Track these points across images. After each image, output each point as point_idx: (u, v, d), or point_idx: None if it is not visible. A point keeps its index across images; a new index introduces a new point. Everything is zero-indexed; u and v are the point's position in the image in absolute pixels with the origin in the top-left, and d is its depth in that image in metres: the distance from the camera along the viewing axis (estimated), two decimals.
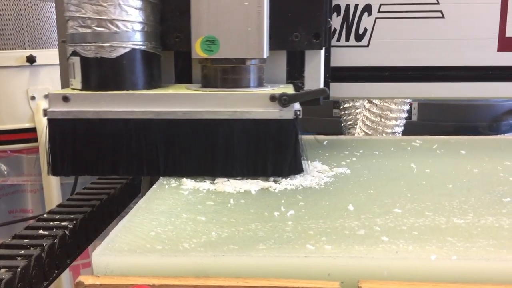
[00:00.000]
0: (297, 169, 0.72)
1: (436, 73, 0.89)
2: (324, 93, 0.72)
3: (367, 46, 0.88)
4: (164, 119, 0.71)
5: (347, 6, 0.87)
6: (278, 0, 0.77)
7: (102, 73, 0.73)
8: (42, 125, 1.53)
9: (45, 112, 0.71)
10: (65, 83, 0.92)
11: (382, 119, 1.42)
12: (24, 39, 1.61)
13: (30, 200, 1.65)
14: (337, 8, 0.88)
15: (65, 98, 0.71)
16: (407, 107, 1.48)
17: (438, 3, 0.86)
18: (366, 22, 0.88)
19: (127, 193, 0.99)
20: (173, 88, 0.77)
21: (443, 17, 0.87)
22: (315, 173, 0.75)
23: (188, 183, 0.70)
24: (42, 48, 1.62)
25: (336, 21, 0.88)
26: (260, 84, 0.77)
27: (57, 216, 0.78)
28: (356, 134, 1.51)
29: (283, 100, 0.69)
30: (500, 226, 0.55)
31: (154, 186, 0.70)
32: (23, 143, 1.55)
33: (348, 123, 1.58)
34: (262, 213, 0.60)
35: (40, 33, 1.61)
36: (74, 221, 0.76)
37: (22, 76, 1.53)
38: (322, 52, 0.83)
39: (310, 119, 1.85)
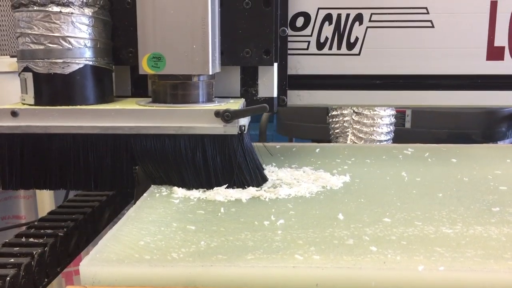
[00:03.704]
0: (245, 182, 0.72)
1: (426, 82, 0.89)
2: (265, 110, 0.74)
3: (359, 54, 0.89)
4: (111, 134, 0.71)
5: (339, 16, 0.88)
6: (229, 17, 0.79)
7: (54, 89, 0.74)
8: None
9: None
10: None
11: (374, 128, 1.42)
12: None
13: (23, 206, 1.64)
14: (329, 17, 0.88)
15: (14, 113, 0.72)
16: (393, 112, 1.49)
17: (428, 13, 0.87)
18: (358, 31, 0.88)
19: (119, 200, 0.99)
20: (122, 103, 0.78)
21: (433, 26, 0.87)
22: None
23: (179, 192, 0.70)
24: None
25: (328, 30, 0.89)
26: (209, 99, 0.78)
27: (48, 224, 0.78)
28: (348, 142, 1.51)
29: (225, 116, 0.70)
30: (488, 236, 0.55)
31: (145, 194, 0.70)
32: None
33: (336, 131, 1.58)
34: (252, 222, 0.60)
35: None
36: (65, 229, 0.76)
37: (16, 82, 1.53)
38: (275, 65, 0.85)
39: (305, 125, 1.86)
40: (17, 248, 0.68)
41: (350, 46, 0.89)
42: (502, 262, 0.48)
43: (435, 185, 0.75)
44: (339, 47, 0.89)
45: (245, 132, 0.71)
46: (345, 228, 0.57)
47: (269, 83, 0.85)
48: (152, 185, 0.73)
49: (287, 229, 0.57)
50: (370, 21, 0.88)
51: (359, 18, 0.88)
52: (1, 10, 1.58)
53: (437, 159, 0.91)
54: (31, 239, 0.71)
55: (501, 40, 0.87)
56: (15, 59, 1.52)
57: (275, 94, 0.86)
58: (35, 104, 0.74)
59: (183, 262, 0.49)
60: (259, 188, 0.72)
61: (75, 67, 0.73)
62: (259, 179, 0.73)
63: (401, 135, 1.55)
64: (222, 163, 0.71)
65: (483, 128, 1.63)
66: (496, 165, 0.86)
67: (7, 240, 0.71)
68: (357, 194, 0.70)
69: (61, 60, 0.73)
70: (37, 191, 1.57)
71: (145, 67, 0.73)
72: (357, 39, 0.89)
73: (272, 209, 0.64)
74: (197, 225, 0.59)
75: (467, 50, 0.88)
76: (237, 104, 0.76)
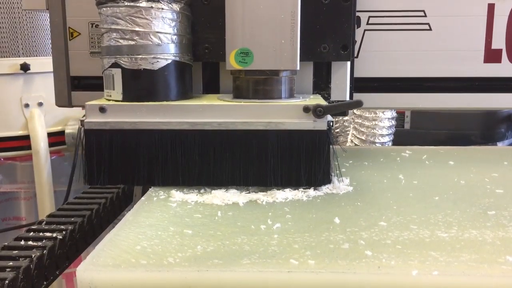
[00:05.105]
0: (328, 179, 0.73)
1: (423, 84, 0.89)
2: (360, 105, 0.73)
3: (357, 57, 0.89)
4: (199, 129, 0.72)
5: None
6: (307, 12, 0.77)
7: (142, 85, 0.74)
8: (36, 132, 1.53)
9: (82, 123, 0.73)
10: (59, 92, 0.92)
11: (376, 122, 1.43)
12: (18, 46, 1.62)
13: (24, 208, 1.65)
14: None
15: (102, 109, 0.72)
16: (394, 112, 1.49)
17: (425, 16, 0.87)
18: (355, 34, 0.88)
19: (119, 202, 0.99)
20: (206, 99, 0.78)
21: (430, 29, 0.87)
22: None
23: (177, 195, 0.70)
24: (36, 56, 1.62)
25: None
26: (291, 95, 0.78)
27: (47, 227, 0.78)
28: (348, 144, 1.52)
29: (318, 112, 0.70)
30: (483, 240, 0.55)
31: (143, 198, 0.70)
32: (17, 150, 1.55)
33: (336, 130, 1.58)
34: (249, 226, 0.60)
35: (34, 41, 1.62)
36: (64, 232, 0.76)
37: (16, 84, 1.54)
38: (349, 63, 0.85)
39: None
40: (16, 251, 0.69)
41: None
42: (496, 267, 0.48)
43: (432, 188, 0.75)
44: None
45: (332, 127, 0.71)
46: (341, 232, 0.58)
47: (341, 85, 0.85)
48: (149, 188, 0.74)
49: (283, 233, 0.58)
50: (368, 24, 0.88)
51: (357, 21, 0.88)
52: (2, 12, 1.59)
53: (435, 161, 0.91)
54: (30, 242, 0.72)
55: (498, 43, 0.87)
56: (15, 60, 1.53)
57: (347, 97, 0.86)
58: (123, 100, 0.74)
59: (179, 267, 0.49)
60: (255, 192, 0.72)
61: (164, 63, 0.73)
62: (330, 178, 0.73)
63: (400, 136, 1.55)
64: (307, 159, 0.71)
65: (482, 129, 1.63)
66: (493, 168, 0.86)
67: (6, 243, 0.71)
68: (354, 198, 0.71)
69: (150, 56, 0.73)
70: (37, 192, 1.58)
71: (232, 63, 0.74)
72: (355, 42, 0.89)
73: (269, 213, 0.64)
74: (194, 229, 0.59)
75: (464, 53, 0.88)
76: (320, 100, 0.76)
